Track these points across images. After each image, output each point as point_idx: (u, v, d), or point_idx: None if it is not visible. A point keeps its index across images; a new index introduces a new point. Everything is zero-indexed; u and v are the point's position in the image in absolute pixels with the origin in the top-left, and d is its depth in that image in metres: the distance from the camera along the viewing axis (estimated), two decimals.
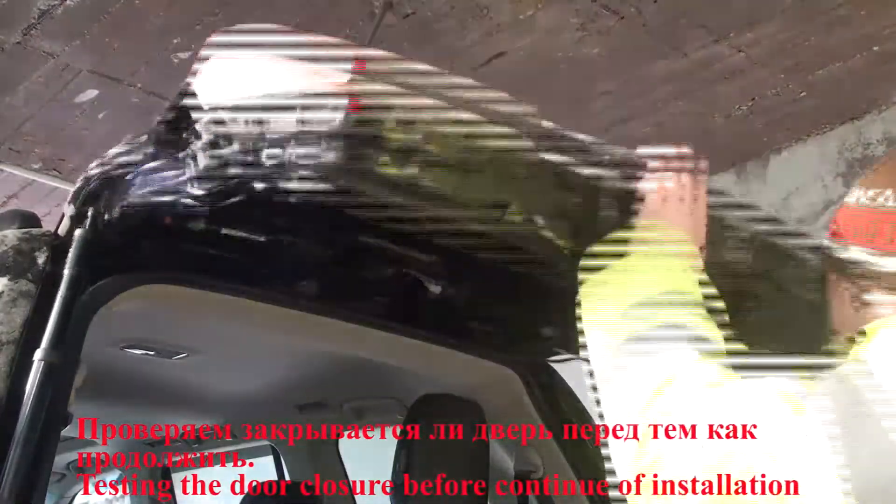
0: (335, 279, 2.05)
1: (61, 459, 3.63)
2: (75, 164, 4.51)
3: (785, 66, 3.89)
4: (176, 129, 1.28)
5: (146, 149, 1.36)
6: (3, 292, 1.42)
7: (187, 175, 1.27)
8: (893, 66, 3.93)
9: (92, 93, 3.94)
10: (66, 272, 1.41)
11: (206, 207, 1.32)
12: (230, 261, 1.87)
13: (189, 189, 1.28)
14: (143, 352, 2.44)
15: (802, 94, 4.13)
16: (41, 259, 1.47)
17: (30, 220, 1.58)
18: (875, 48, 3.77)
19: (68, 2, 3.30)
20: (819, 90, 4.09)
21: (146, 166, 1.36)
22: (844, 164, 4.35)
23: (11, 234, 1.51)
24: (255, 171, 1.16)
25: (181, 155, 1.28)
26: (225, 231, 1.81)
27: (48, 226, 1.56)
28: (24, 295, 1.43)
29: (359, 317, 2.10)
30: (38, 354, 1.34)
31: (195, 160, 1.23)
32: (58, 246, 1.49)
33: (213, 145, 1.18)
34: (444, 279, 2.19)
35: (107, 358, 2.33)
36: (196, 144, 1.21)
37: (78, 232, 1.47)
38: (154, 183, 1.34)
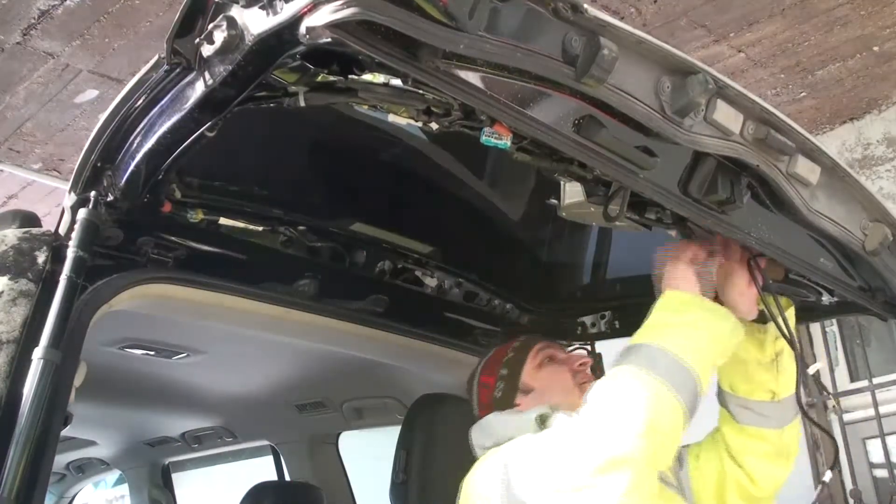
0: (334, 275, 2.05)
1: (61, 459, 3.63)
2: (75, 165, 4.50)
3: (785, 66, 3.89)
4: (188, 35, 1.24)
5: (154, 73, 1.34)
6: (3, 292, 1.42)
7: (196, 80, 1.25)
8: (893, 66, 3.93)
9: (92, 93, 3.94)
10: (66, 271, 1.41)
11: (214, 121, 1.30)
12: (229, 256, 1.88)
13: (197, 95, 1.26)
14: (143, 352, 2.44)
15: (802, 94, 4.13)
16: (41, 259, 1.47)
17: (30, 220, 1.57)
18: (875, 48, 3.77)
19: (68, 2, 3.29)
20: (819, 90, 4.09)
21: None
22: (844, 164, 4.34)
23: (11, 234, 1.51)
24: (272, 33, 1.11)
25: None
26: (223, 220, 1.81)
27: (48, 226, 1.56)
28: (24, 294, 1.43)
29: (359, 317, 2.10)
30: (38, 353, 1.33)
31: (207, 62, 1.21)
32: (58, 246, 1.49)
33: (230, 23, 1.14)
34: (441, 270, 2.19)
35: (107, 358, 2.33)
36: (208, 48, 1.18)
37: (81, 214, 1.46)
38: (163, 101, 1.35)
